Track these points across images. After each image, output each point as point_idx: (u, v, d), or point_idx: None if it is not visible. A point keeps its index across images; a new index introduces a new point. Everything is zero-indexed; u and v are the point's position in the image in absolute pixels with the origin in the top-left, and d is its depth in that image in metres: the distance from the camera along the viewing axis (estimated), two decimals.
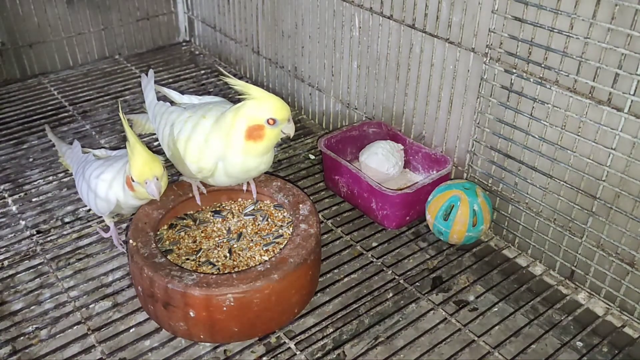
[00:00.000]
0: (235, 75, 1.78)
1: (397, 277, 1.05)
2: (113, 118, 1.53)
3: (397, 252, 1.11)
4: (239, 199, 1.08)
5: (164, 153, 1.05)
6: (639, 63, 0.85)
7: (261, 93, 0.92)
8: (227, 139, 0.93)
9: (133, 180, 0.91)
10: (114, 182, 0.96)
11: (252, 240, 0.98)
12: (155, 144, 1.43)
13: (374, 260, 1.09)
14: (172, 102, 1.10)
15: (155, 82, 1.16)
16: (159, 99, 1.10)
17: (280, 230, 1.00)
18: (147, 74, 1.15)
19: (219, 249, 0.97)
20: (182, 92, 1.13)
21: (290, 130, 0.94)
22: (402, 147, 1.24)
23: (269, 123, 0.91)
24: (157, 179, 0.91)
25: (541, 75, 0.98)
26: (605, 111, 0.90)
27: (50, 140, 1.31)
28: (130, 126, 1.10)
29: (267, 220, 1.03)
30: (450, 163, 1.16)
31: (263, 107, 0.91)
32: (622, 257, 0.96)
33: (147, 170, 0.91)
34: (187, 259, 0.94)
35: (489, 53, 1.05)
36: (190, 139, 0.96)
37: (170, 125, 1.00)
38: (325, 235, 1.14)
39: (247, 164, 0.95)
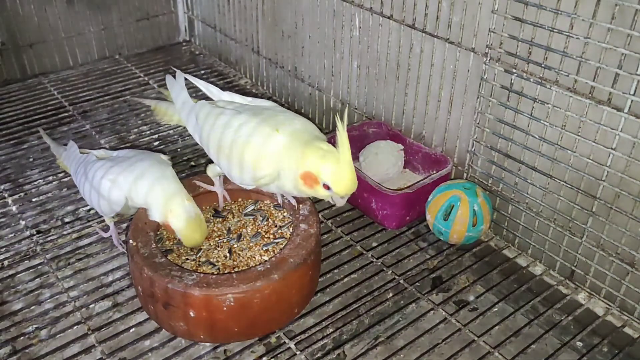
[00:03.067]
0: (235, 76, 1.78)
1: (397, 277, 1.05)
2: (113, 118, 1.54)
3: (397, 252, 1.11)
4: (239, 199, 1.08)
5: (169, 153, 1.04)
6: (639, 63, 0.85)
7: (344, 162, 0.85)
8: (290, 164, 0.88)
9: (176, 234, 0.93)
10: (119, 183, 0.95)
11: (252, 240, 0.98)
12: (156, 143, 1.43)
13: (374, 260, 1.09)
14: (207, 98, 1.04)
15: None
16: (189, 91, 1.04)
17: (280, 230, 1.00)
18: (173, 76, 1.06)
19: (219, 249, 0.97)
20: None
21: (338, 203, 0.89)
22: (402, 147, 1.24)
23: (323, 185, 0.86)
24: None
25: (541, 75, 0.98)
26: (605, 111, 0.90)
27: None
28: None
29: (267, 220, 1.03)
30: (450, 163, 1.16)
31: (331, 171, 0.85)
32: (622, 257, 0.96)
33: (197, 243, 0.94)
34: (187, 259, 0.94)
35: (489, 53, 1.05)
36: (263, 148, 0.89)
37: (229, 129, 0.92)
38: (325, 235, 1.14)
39: (301, 193, 0.92)
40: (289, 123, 0.91)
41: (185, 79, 1.06)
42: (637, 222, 0.92)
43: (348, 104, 1.42)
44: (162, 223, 0.93)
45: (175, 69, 1.08)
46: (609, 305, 1.00)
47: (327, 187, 0.86)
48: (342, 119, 0.83)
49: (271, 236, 0.99)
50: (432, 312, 0.99)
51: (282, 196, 1.03)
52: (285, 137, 0.88)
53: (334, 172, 0.85)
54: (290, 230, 0.99)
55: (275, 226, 1.01)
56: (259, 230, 1.00)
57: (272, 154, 0.89)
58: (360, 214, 1.19)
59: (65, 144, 1.14)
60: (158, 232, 0.99)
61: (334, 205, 1.21)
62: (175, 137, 1.46)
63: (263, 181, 0.91)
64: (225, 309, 0.85)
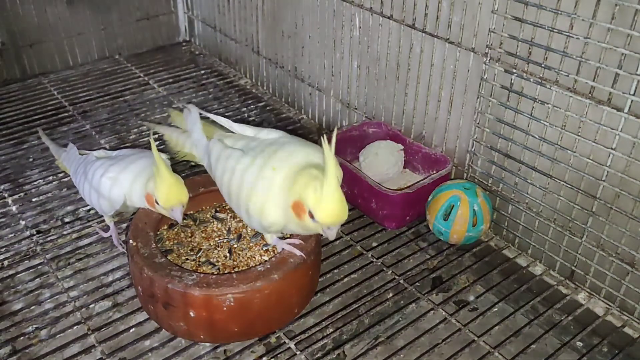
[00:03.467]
0: (235, 76, 1.78)
1: (397, 277, 1.05)
2: (113, 118, 1.54)
3: (397, 252, 1.11)
4: None
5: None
6: (639, 63, 0.85)
7: (328, 188, 0.76)
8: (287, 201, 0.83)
9: (157, 203, 0.90)
10: (119, 181, 0.95)
11: (252, 240, 0.98)
12: (156, 143, 1.43)
13: (374, 260, 1.09)
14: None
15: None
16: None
17: None
18: (189, 109, 1.01)
19: (219, 249, 0.97)
20: (229, 118, 0.98)
21: (329, 235, 0.80)
22: (402, 147, 1.24)
23: (309, 214, 0.79)
24: (183, 206, 0.90)
25: (541, 75, 0.98)
26: (605, 111, 0.90)
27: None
28: (161, 148, 0.95)
29: None
30: (450, 163, 1.16)
31: (314, 197, 0.78)
32: (622, 257, 0.96)
33: (175, 199, 0.89)
34: (187, 259, 0.94)
35: (489, 53, 1.05)
36: (268, 199, 0.83)
37: (235, 175, 0.87)
38: None
39: (300, 229, 0.86)
40: (287, 157, 0.85)
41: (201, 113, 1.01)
42: (637, 222, 0.92)
43: (348, 104, 1.42)
44: (145, 198, 0.92)
45: (190, 104, 1.03)
46: (609, 305, 1.00)
47: (312, 216, 0.78)
48: (330, 140, 0.76)
49: None
50: (432, 312, 0.99)
51: None
52: (281, 175, 0.83)
53: (317, 199, 0.77)
54: None
55: None
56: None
57: (274, 198, 0.83)
58: (360, 214, 1.19)
59: (65, 145, 1.14)
60: (158, 232, 0.99)
61: None
62: None
63: (272, 229, 0.87)
64: (225, 309, 0.85)
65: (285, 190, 0.82)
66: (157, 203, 0.90)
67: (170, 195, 0.89)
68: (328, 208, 0.77)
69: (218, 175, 0.91)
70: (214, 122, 0.99)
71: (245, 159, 0.87)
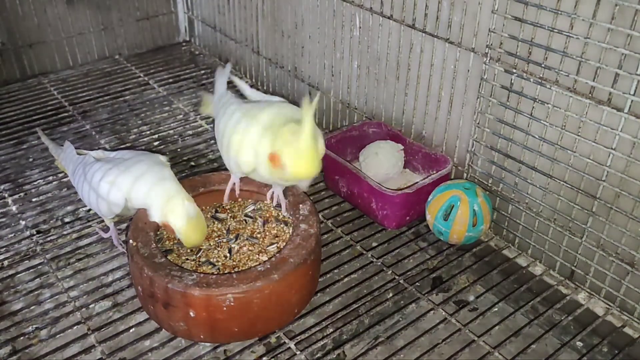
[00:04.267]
0: (235, 76, 1.78)
1: (397, 277, 1.05)
2: (113, 118, 1.54)
3: (397, 252, 1.11)
4: (240, 199, 1.08)
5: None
6: (639, 63, 0.85)
7: (304, 147, 0.82)
8: (262, 150, 0.89)
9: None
10: (117, 184, 0.95)
11: (251, 240, 0.98)
12: (156, 143, 1.43)
13: (374, 260, 1.09)
14: (241, 95, 1.09)
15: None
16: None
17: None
18: (223, 67, 1.12)
19: (219, 249, 0.97)
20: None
21: (301, 186, 0.87)
22: (402, 147, 1.24)
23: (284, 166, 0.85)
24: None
25: (541, 75, 0.98)
26: (605, 111, 0.90)
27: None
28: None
29: (267, 221, 1.02)
30: (450, 163, 1.16)
31: (288, 151, 0.84)
32: (622, 257, 0.96)
33: (197, 243, 0.93)
34: (187, 259, 0.94)
35: (489, 53, 1.05)
36: (243, 137, 0.91)
37: (222, 125, 0.97)
38: (325, 235, 1.14)
39: (274, 178, 0.92)
40: (266, 111, 0.92)
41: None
42: (637, 222, 0.92)
43: (348, 104, 1.42)
44: (161, 223, 0.93)
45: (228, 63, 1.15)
46: (609, 305, 1.00)
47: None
48: (311, 100, 0.81)
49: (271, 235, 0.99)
50: (432, 312, 0.99)
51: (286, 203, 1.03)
52: (259, 126, 0.90)
53: (290, 153, 0.83)
54: (290, 230, 0.99)
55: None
56: (259, 230, 1.00)
57: (250, 142, 0.90)
58: (360, 214, 1.19)
59: (62, 145, 1.14)
60: (158, 232, 0.99)
61: (334, 205, 1.21)
62: (176, 137, 1.46)
63: (244, 167, 0.93)
64: (225, 309, 0.85)
65: (266, 139, 0.88)
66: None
67: (195, 242, 0.92)
68: (300, 165, 0.83)
69: (222, 123, 0.98)
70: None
71: (235, 110, 0.96)
